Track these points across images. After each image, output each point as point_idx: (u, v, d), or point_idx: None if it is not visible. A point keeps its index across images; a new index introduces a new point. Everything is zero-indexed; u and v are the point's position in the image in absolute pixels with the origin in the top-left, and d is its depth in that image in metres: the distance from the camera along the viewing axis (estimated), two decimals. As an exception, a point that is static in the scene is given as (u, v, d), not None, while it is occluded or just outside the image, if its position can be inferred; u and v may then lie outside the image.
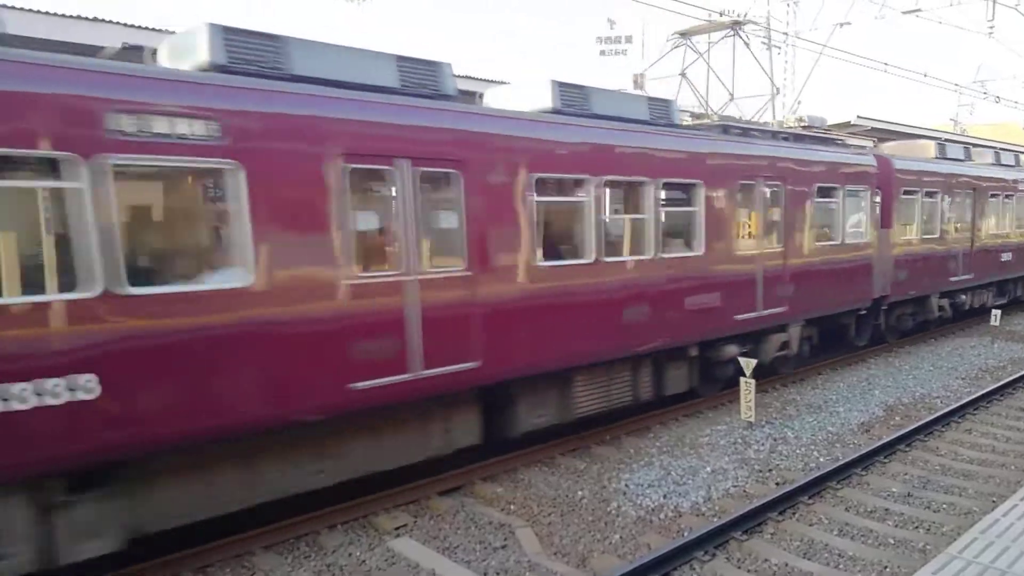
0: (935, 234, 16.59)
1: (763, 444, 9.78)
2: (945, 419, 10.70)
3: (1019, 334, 18.14)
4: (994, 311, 17.02)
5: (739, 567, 6.54)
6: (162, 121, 5.78)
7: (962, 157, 18.35)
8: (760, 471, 8.83)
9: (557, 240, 9.32)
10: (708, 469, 8.86)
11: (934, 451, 9.59)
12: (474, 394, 8.42)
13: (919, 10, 22.55)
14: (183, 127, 5.89)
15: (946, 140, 19.88)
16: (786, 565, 6.50)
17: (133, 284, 5.65)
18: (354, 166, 6.96)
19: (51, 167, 5.38)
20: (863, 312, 14.87)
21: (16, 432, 5.18)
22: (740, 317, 11.36)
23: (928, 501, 7.93)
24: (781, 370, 13.03)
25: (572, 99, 9.36)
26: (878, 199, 14.64)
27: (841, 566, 6.53)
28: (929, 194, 16.35)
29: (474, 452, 8.62)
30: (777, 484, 8.39)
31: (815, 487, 8.11)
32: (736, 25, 17.15)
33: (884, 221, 14.97)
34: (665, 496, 8.07)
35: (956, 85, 30.25)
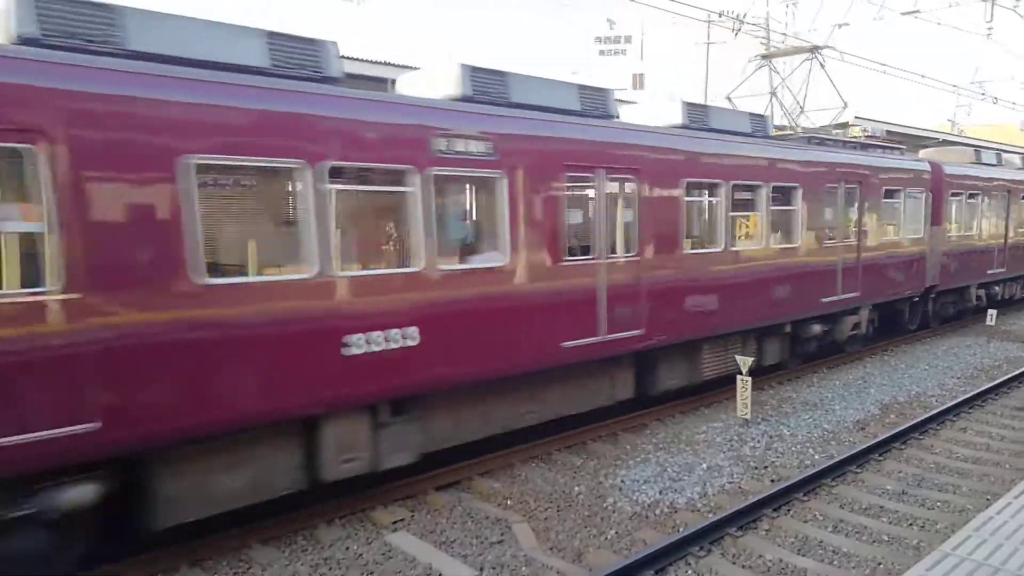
0: (975, 231, 18.63)
1: (759, 441, 9.82)
2: (940, 417, 10.75)
3: (1015, 333, 18.21)
4: (990, 311, 17.11)
5: (734, 563, 6.57)
6: (459, 142, 7.76)
7: (995, 162, 20.12)
8: (756, 468, 8.87)
9: (699, 232, 11.58)
10: (704, 466, 8.89)
11: (929, 449, 9.64)
12: (631, 358, 10.14)
13: (918, 11, 22.59)
14: (472, 146, 7.90)
15: (981, 147, 21.90)
16: (780, 561, 6.54)
17: (441, 263, 7.68)
18: (571, 173, 8.94)
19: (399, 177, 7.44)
20: (915, 299, 16.85)
21: (373, 366, 7.11)
22: (825, 300, 13.35)
23: (922, 499, 7.97)
24: (849, 348, 14.99)
25: (697, 116, 11.27)
26: (930, 200, 16.49)
27: (835, 562, 6.57)
28: (972, 196, 18.35)
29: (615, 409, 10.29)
30: (772, 481, 8.43)
31: (810, 484, 8.15)
32: (815, 50, 19.20)
33: (934, 219, 16.72)
34: (661, 492, 8.10)
35: (954, 86, 30.31)
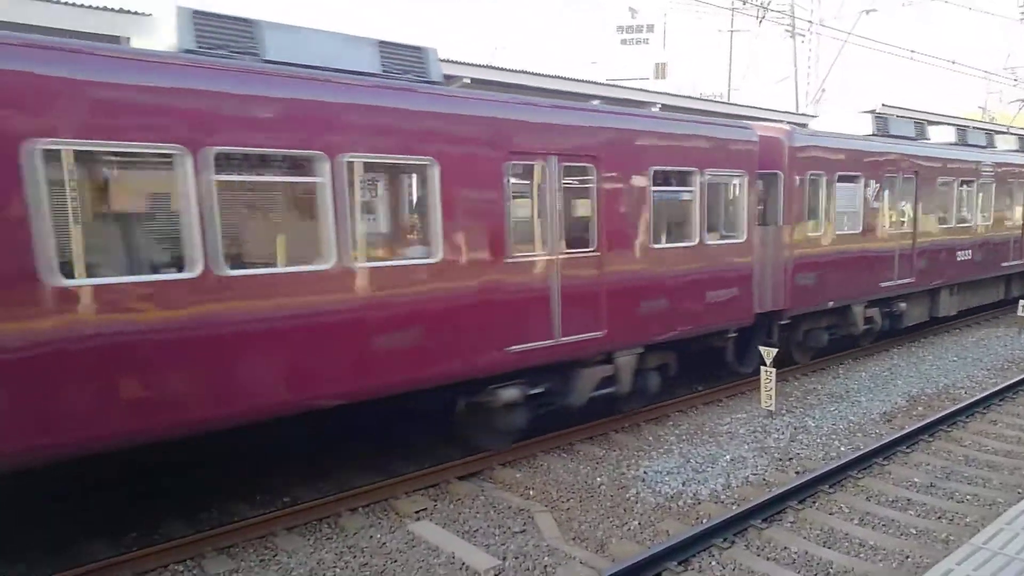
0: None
1: (783, 433, 9.72)
2: (969, 409, 10.56)
3: (1047, 325, 17.84)
4: (1021, 301, 16.75)
5: (758, 555, 6.52)
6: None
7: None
8: (780, 460, 8.78)
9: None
10: (727, 457, 8.83)
11: (958, 442, 9.48)
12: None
13: (948, -5, 22.13)
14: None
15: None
16: (806, 553, 6.48)
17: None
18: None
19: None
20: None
21: None
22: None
23: (951, 492, 7.85)
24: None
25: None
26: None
27: (862, 555, 6.49)
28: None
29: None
30: (797, 473, 8.35)
31: (836, 476, 8.06)
32: None
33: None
34: (684, 483, 8.05)
35: (985, 72, 29.65)
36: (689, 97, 19.87)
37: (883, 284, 14.11)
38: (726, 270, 10.70)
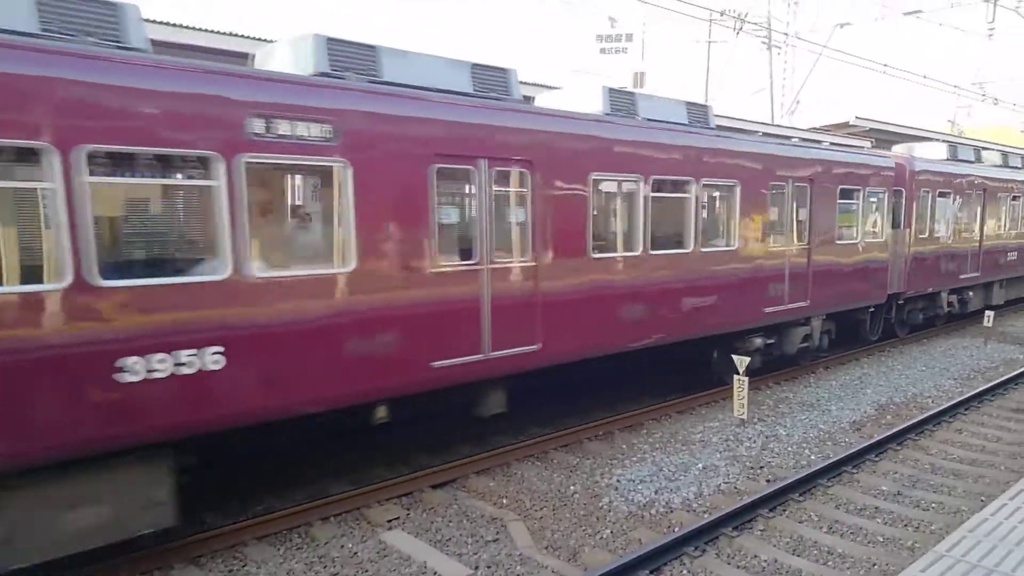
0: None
1: (755, 441, 9.82)
2: (936, 418, 10.76)
3: (1011, 335, 18.23)
4: (987, 312, 17.12)
5: (729, 563, 6.58)
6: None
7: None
8: (751, 468, 8.87)
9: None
10: (700, 465, 8.90)
11: (925, 450, 9.65)
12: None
13: (920, 11, 22.61)
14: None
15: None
16: (775, 561, 6.55)
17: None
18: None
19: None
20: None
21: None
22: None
23: (918, 500, 7.98)
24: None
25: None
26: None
27: (830, 563, 6.57)
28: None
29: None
30: (768, 481, 8.44)
31: (806, 484, 8.16)
32: None
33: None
34: (656, 492, 8.10)
35: (955, 87, 30.27)
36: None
37: (962, 276, 18.25)
38: (873, 261, 14.69)
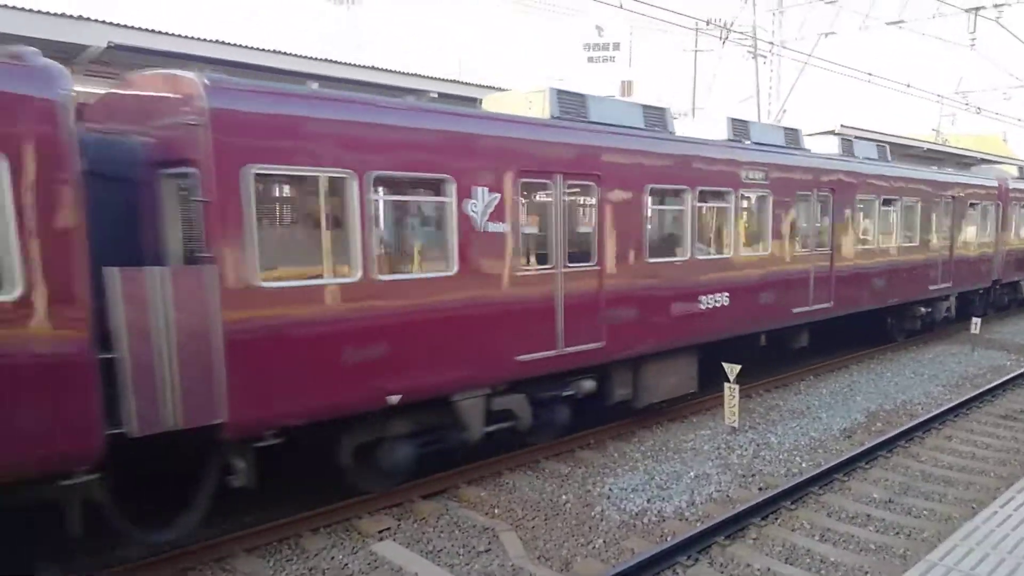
0: None
1: (746, 449, 9.82)
2: (926, 425, 10.80)
3: (998, 342, 18.37)
4: (974, 319, 17.27)
5: (722, 572, 6.55)
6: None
7: None
8: (743, 476, 8.87)
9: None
10: (692, 474, 8.88)
11: (915, 457, 9.68)
12: None
13: (903, 21, 22.84)
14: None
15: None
16: (768, 570, 6.53)
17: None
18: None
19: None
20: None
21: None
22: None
23: (909, 507, 8.00)
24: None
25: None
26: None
27: (823, 571, 6.56)
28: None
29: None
30: (760, 489, 8.43)
31: (797, 492, 8.16)
32: None
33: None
34: (649, 501, 8.08)
35: (938, 96, 30.58)
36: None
37: None
38: (984, 255, 20.22)
